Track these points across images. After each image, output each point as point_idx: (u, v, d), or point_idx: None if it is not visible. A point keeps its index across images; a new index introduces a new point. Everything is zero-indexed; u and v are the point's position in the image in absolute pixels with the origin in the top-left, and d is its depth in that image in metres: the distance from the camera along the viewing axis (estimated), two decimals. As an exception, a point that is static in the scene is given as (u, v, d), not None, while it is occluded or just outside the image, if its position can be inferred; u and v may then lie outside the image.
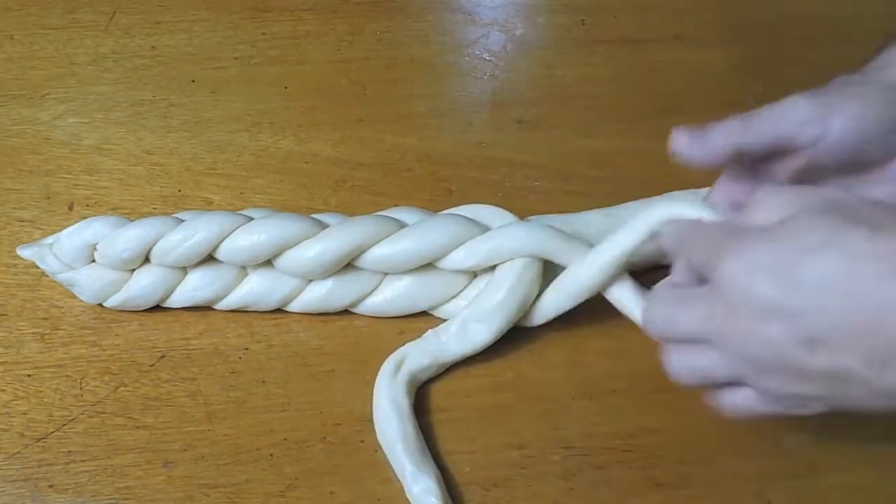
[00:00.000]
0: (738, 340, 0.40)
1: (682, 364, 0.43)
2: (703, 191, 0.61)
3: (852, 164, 0.47)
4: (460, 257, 0.54)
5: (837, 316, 0.37)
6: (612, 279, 0.53)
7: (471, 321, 0.53)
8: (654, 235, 0.49)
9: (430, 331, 0.54)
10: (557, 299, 0.55)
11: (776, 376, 0.40)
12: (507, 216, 0.56)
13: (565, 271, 0.54)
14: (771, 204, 0.41)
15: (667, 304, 0.43)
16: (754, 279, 0.38)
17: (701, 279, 0.43)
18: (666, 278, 0.46)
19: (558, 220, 0.60)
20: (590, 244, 0.54)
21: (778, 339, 0.38)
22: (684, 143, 0.48)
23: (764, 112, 0.47)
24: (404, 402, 0.52)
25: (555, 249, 0.54)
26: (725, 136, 0.47)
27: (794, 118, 0.46)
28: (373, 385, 0.53)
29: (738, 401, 0.43)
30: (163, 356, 0.55)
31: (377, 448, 0.52)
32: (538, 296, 0.55)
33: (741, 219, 0.42)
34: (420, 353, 0.53)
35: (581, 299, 0.54)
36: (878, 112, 0.46)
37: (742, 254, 0.39)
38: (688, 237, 0.44)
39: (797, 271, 0.38)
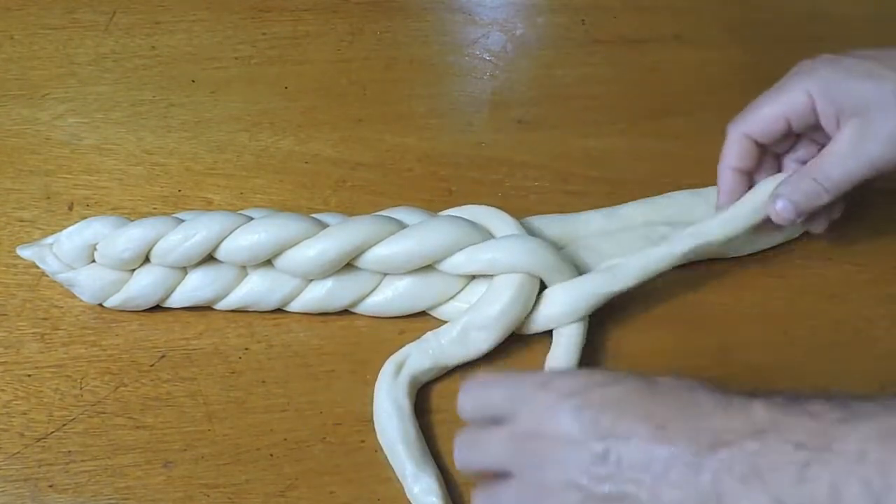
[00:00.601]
0: (534, 463, 0.41)
1: (482, 496, 0.44)
2: (704, 190, 0.61)
3: None
4: (460, 262, 0.55)
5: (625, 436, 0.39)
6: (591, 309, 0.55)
7: (472, 329, 0.54)
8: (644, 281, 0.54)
9: (429, 333, 0.54)
10: (554, 313, 0.55)
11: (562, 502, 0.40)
12: (507, 219, 0.57)
13: (560, 288, 0.55)
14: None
15: (474, 434, 0.44)
16: (554, 405, 0.41)
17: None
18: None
19: (557, 219, 0.60)
20: (577, 267, 0.57)
21: (570, 461, 0.40)
22: (780, 209, 0.54)
23: (845, 161, 0.53)
24: (405, 403, 0.52)
25: (550, 270, 0.55)
26: (816, 195, 0.54)
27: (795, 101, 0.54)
28: (373, 385, 0.53)
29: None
30: (163, 356, 0.55)
31: (377, 448, 0.52)
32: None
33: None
34: (421, 356, 0.53)
35: (575, 318, 0.55)
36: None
37: (546, 388, 0.42)
38: (487, 390, 0.45)
39: (594, 395, 0.41)
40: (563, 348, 0.55)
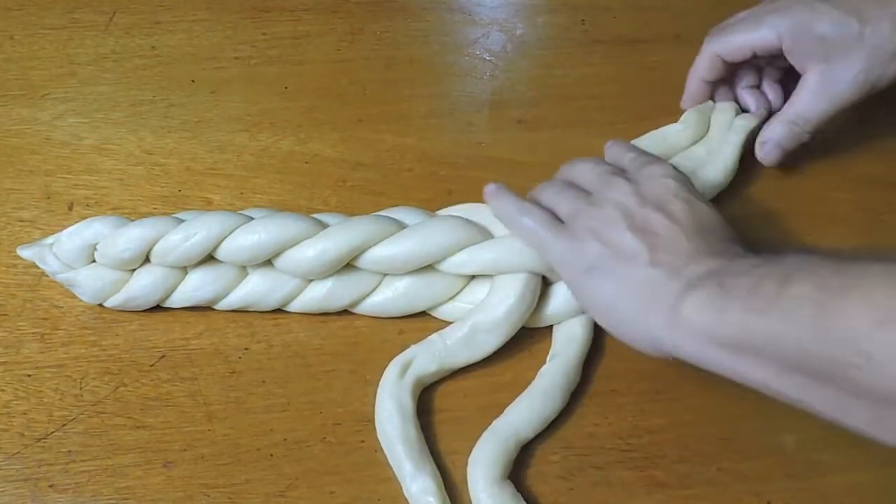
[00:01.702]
0: (605, 187, 0.53)
1: (548, 190, 0.56)
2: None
3: None
4: (461, 262, 0.55)
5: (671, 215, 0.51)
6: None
7: (479, 331, 0.54)
8: None
9: (434, 335, 0.54)
10: (559, 309, 0.56)
11: (606, 216, 0.52)
12: None
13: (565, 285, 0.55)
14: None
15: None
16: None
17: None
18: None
19: None
20: None
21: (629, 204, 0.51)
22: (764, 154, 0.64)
23: (813, 103, 0.61)
24: (408, 404, 0.52)
25: (548, 267, 0.55)
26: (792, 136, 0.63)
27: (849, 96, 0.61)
28: (373, 385, 0.53)
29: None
30: (163, 356, 0.55)
31: (377, 448, 0.52)
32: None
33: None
34: (428, 358, 0.53)
35: (581, 311, 0.56)
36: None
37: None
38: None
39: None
40: (563, 345, 0.55)
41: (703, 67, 0.64)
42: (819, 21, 0.59)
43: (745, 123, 0.64)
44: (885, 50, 0.58)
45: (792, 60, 0.61)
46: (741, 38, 0.62)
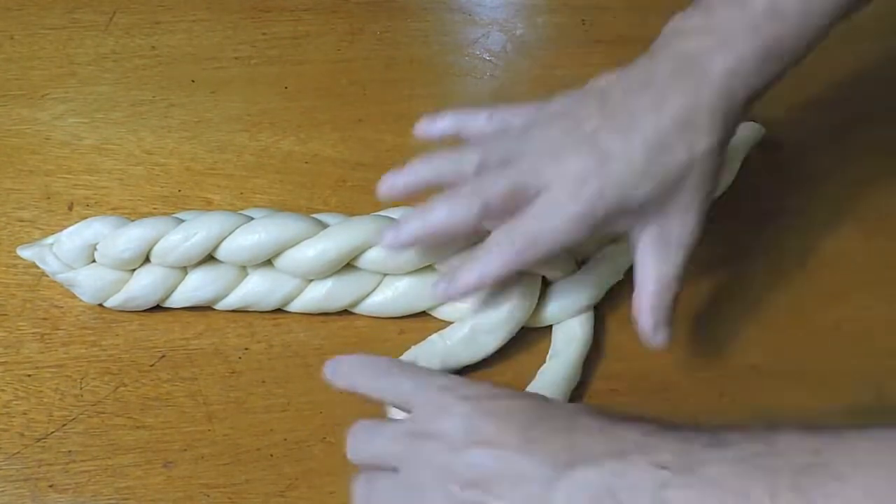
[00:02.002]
0: (421, 461, 0.42)
1: (361, 481, 0.44)
2: None
3: None
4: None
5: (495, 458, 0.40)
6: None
7: (480, 332, 0.54)
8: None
9: (435, 335, 0.54)
10: (560, 308, 0.56)
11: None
12: None
13: (567, 283, 0.56)
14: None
15: (373, 425, 0.45)
16: (452, 407, 0.42)
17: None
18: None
19: None
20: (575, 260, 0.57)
21: (449, 469, 0.41)
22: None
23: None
24: None
25: (551, 265, 0.55)
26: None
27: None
28: (373, 385, 0.54)
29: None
30: (163, 356, 0.55)
31: (377, 448, 0.52)
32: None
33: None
34: (429, 357, 0.53)
35: (581, 310, 0.56)
36: None
37: (448, 392, 0.43)
38: (396, 378, 0.46)
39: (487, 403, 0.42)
40: (563, 344, 0.55)
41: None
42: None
43: (751, 135, 0.63)
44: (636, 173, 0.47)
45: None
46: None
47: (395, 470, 0.42)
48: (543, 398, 0.43)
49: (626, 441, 0.39)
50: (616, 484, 0.37)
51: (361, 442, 0.44)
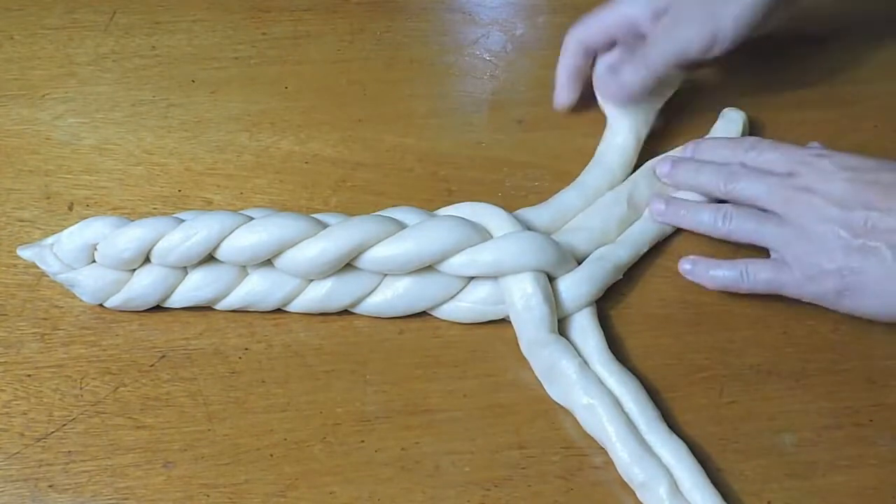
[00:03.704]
0: (804, 214, 0.54)
1: (743, 217, 0.56)
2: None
3: None
4: (461, 263, 0.55)
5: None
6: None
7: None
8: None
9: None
10: (566, 306, 0.56)
11: (821, 246, 0.53)
12: (503, 216, 0.57)
13: (569, 281, 0.56)
14: None
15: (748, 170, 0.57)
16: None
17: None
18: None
19: (544, 208, 0.60)
20: (576, 255, 0.57)
21: (838, 219, 0.52)
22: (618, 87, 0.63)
23: (659, 46, 0.62)
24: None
25: (554, 264, 0.55)
26: (644, 76, 0.62)
27: (688, 47, 0.61)
28: (373, 385, 0.54)
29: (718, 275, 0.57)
30: (163, 356, 0.55)
31: (377, 448, 0.52)
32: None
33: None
34: None
35: (581, 308, 0.56)
36: None
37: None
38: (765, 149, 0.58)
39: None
40: (586, 329, 0.56)
41: (569, 59, 0.65)
42: None
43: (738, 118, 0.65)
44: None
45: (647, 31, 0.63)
46: (598, 21, 0.64)
47: (772, 214, 0.54)
48: None
49: None
50: None
51: (741, 180, 0.56)
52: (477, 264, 0.54)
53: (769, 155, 0.56)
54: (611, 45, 0.65)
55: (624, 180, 0.62)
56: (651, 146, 0.64)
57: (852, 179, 0.52)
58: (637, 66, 0.61)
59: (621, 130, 0.63)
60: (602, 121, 0.67)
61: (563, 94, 0.66)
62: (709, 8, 0.60)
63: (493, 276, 0.55)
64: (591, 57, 0.65)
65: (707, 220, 0.57)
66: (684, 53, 0.61)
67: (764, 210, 0.55)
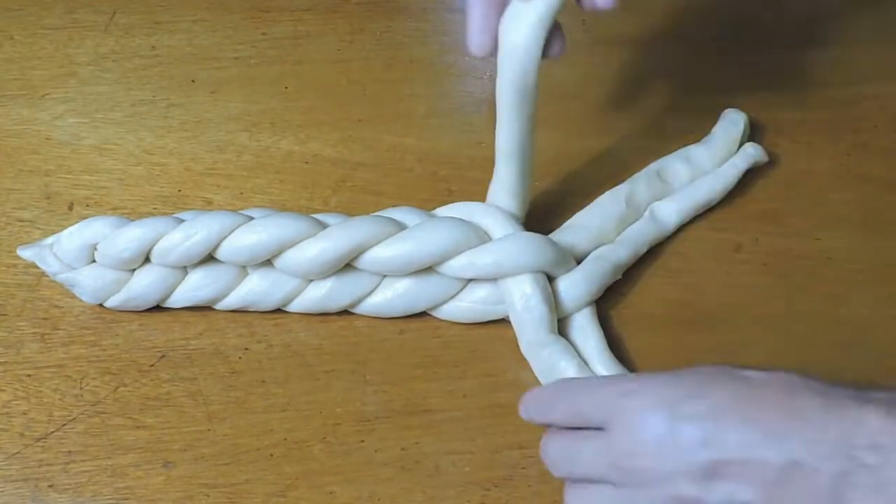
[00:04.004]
0: (637, 478, 0.40)
1: (581, 501, 0.43)
2: None
3: None
4: (461, 266, 0.55)
5: (736, 444, 0.38)
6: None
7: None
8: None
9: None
10: (567, 307, 0.56)
11: None
12: (502, 215, 0.57)
13: (568, 282, 0.56)
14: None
15: (567, 439, 0.44)
16: (653, 413, 0.40)
17: (598, 424, 0.43)
18: (553, 427, 0.46)
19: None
20: (575, 254, 0.58)
21: (676, 474, 0.39)
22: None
23: None
24: None
25: (553, 264, 0.55)
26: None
27: None
28: (373, 385, 0.54)
29: None
30: (163, 356, 0.55)
31: (377, 448, 0.52)
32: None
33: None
34: None
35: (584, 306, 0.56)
36: None
37: (642, 391, 0.41)
38: (571, 389, 0.45)
39: (696, 404, 0.39)
40: (586, 329, 0.56)
41: None
42: None
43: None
44: None
45: None
46: None
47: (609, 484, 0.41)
48: (730, 376, 0.40)
49: (873, 431, 0.36)
50: (884, 479, 0.36)
51: (565, 462, 0.44)
52: (476, 266, 0.54)
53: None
54: None
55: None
56: (652, 147, 0.64)
57: (675, 418, 0.39)
58: None
59: None
60: (602, 121, 0.67)
61: (478, 36, 0.52)
62: None
63: (493, 279, 0.55)
64: None
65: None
66: None
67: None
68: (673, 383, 0.41)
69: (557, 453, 0.44)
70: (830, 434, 0.37)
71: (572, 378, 0.49)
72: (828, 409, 0.37)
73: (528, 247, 0.54)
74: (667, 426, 0.39)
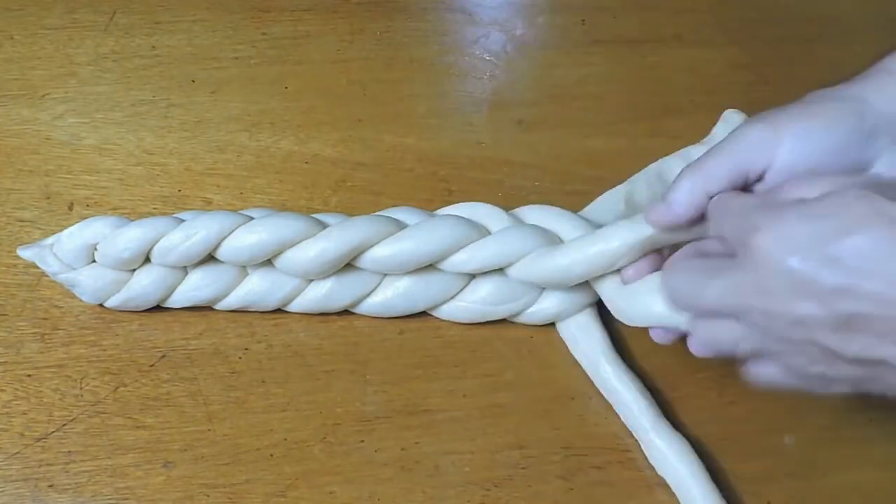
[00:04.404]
0: (768, 317, 0.38)
1: (706, 336, 0.42)
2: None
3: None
4: (462, 260, 0.55)
5: (876, 299, 0.36)
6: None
7: None
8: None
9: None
10: (562, 305, 0.56)
11: (805, 356, 0.38)
12: (502, 215, 0.57)
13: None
14: (812, 182, 0.40)
15: (694, 273, 0.42)
16: (789, 254, 0.37)
17: (731, 251, 0.41)
18: (690, 244, 0.44)
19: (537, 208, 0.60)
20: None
21: (811, 318, 0.37)
22: (660, 215, 0.48)
23: (717, 151, 0.46)
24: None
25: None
26: (688, 192, 0.47)
27: (745, 147, 0.45)
28: (373, 385, 0.54)
29: (762, 373, 0.42)
30: (163, 356, 0.55)
31: (377, 448, 0.52)
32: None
33: (779, 194, 0.41)
34: None
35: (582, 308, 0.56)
36: (829, 128, 0.45)
37: (776, 227, 0.38)
38: (721, 207, 0.43)
39: (835, 247, 0.36)
40: (590, 328, 0.56)
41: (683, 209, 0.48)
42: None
43: None
44: None
45: None
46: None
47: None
48: (876, 205, 0.36)
49: None
50: None
51: (690, 292, 0.42)
52: (477, 259, 0.54)
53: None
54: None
55: None
56: (652, 147, 0.64)
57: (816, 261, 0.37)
58: (684, 172, 0.48)
59: None
60: (602, 121, 0.67)
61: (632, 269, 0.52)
62: (778, 115, 0.46)
63: (494, 269, 0.55)
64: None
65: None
66: (737, 155, 0.46)
67: None
68: (818, 215, 0.37)
69: (683, 283, 0.42)
70: None
71: (729, 193, 0.45)
72: None
73: (527, 236, 0.54)
74: (807, 268, 0.37)
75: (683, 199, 0.46)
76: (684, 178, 0.47)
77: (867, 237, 0.36)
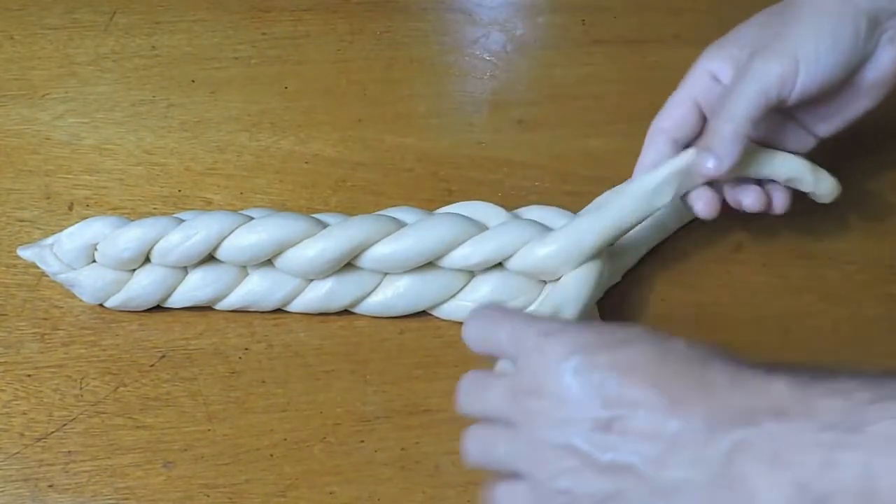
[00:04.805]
0: (531, 421, 0.39)
1: (476, 439, 0.42)
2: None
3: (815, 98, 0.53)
4: (464, 255, 0.55)
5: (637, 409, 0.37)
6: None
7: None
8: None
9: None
10: (561, 304, 0.55)
11: (557, 465, 0.38)
12: (502, 213, 0.57)
13: (565, 280, 0.55)
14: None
15: (478, 380, 0.43)
16: (556, 360, 0.38)
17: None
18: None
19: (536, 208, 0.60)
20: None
21: (571, 422, 0.38)
22: (716, 168, 0.52)
23: (746, 93, 0.52)
24: None
25: None
26: (732, 142, 0.52)
27: (773, 83, 0.51)
28: (373, 385, 0.54)
29: (503, 494, 0.41)
30: (163, 356, 0.55)
31: (377, 448, 0.52)
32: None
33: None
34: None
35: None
36: (836, 47, 0.51)
37: (549, 338, 0.39)
38: (498, 323, 0.43)
39: (599, 357, 0.38)
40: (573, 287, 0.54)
41: (651, 155, 0.57)
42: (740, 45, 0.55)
43: None
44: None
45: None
46: (679, 102, 0.58)
47: (509, 426, 0.40)
48: (654, 339, 0.39)
49: (779, 398, 0.36)
50: (781, 445, 0.34)
51: (471, 396, 0.42)
52: (479, 253, 0.54)
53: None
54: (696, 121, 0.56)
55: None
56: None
57: (583, 368, 0.38)
58: (721, 122, 0.52)
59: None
60: (602, 121, 0.67)
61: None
62: (788, 42, 0.51)
63: (494, 266, 0.55)
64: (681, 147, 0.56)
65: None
66: (766, 92, 0.51)
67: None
68: (594, 333, 0.39)
69: (468, 388, 0.43)
70: (735, 401, 0.36)
71: (506, 308, 0.45)
72: (736, 379, 0.37)
73: (526, 229, 0.54)
74: (574, 371, 0.38)
75: (732, 150, 0.52)
76: (724, 126, 0.52)
77: (641, 351, 0.38)
